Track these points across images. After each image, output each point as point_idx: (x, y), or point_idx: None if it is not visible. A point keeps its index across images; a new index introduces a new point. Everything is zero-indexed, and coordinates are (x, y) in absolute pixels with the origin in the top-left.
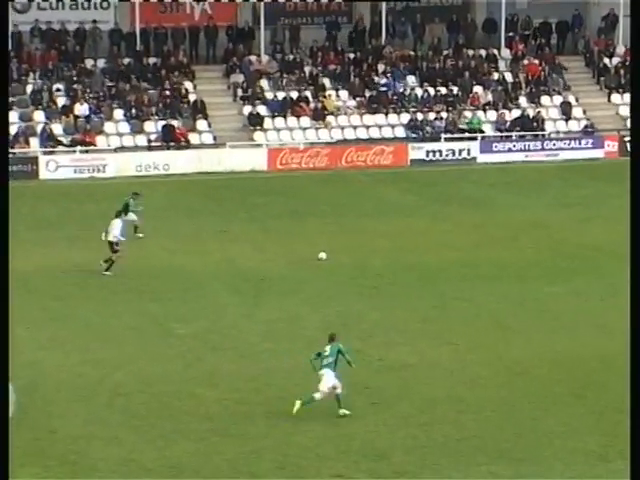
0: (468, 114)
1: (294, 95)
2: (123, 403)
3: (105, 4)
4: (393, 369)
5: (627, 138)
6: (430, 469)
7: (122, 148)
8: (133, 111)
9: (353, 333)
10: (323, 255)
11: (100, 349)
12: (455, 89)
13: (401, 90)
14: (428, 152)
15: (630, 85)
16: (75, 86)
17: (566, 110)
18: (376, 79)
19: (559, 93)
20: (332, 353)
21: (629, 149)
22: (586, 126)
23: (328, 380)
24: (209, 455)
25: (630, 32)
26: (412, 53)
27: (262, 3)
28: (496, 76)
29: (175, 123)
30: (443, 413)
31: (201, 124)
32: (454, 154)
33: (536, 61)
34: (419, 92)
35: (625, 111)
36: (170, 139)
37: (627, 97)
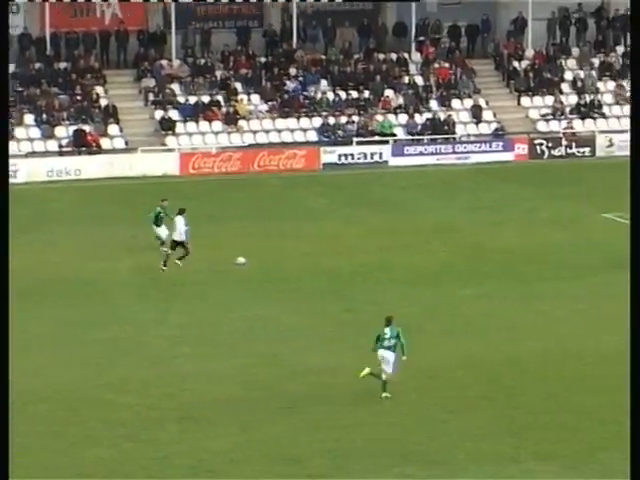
0: (379, 118)
1: (206, 99)
2: (34, 410)
3: (14, 8)
4: (307, 373)
5: (537, 141)
6: (344, 472)
7: (33, 153)
8: (44, 116)
9: (266, 337)
10: (241, 260)
11: (12, 356)
12: (366, 93)
13: (313, 94)
14: (340, 156)
15: (630, 84)
16: None
17: (476, 113)
18: (287, 83)
19: (469, 96)
20: (392, 336)
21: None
22: (496, 129)
23: (389, 361)
24: (121, 461)
25: (631, 32)
26: (323, 57)
27: (173, 7)
28: (407, 80)
29: (86, 128)
30: (357, 416)
31: (112, 129)
32: (366, 158)
33: (446, 64)
34: (330, 96)
35: (535, 114)
36: (81, 144)
37: (536, 100)
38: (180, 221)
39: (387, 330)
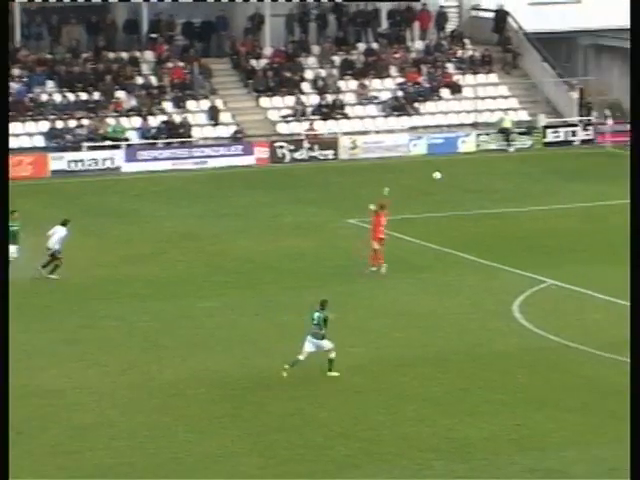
0: (111, 121)
1: None
2: None
3: None
4: (39, 395)
5: (278, 144)
6: None
7: None
8: None
9: None
10: (438, 175)
11: None
12: (96, 94)
13: (38, 96)
14: (70, 162)
15: (630, 85)
16: None
17: (214, 115)
18: (11, 85)
19: (206, 97)
20: (319, 322)
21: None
22: (236, 132)
23: (308, 346)
24: None
25: (630, 32)
26: (49, 56)
27: None
28: (140, 80)
29: None
30: (94, 440)
31: None
32: (97, 164)
33: (181, 64)
34: (58, 98)
35: (274, 115)
36: None
37: (276, 100)
38: (60, 231)
39: (316, 315)
